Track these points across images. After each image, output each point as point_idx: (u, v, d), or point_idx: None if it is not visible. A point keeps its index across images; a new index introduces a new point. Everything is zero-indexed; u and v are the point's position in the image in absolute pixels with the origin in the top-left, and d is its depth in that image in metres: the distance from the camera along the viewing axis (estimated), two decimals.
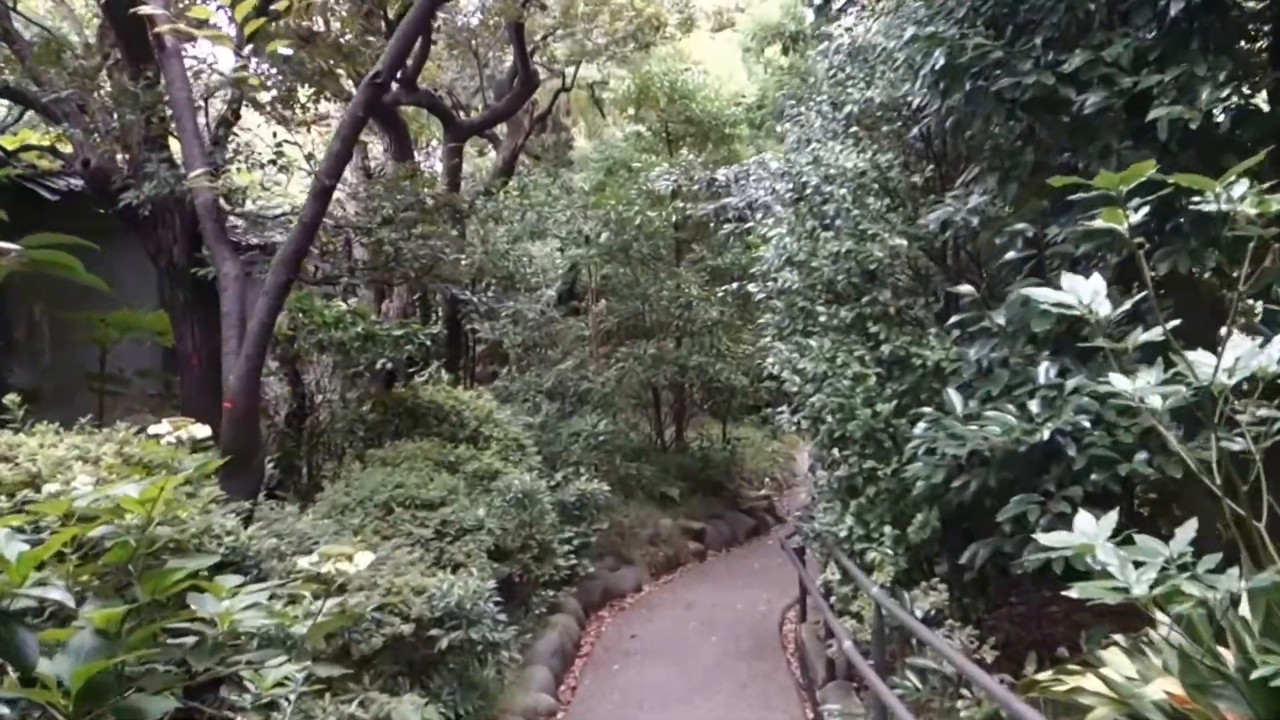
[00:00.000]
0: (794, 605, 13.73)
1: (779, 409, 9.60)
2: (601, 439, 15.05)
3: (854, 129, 9.29)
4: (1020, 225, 6.92)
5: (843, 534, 8.13)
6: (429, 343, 13.00)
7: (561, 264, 18.60)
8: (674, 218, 16.85)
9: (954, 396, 7.03)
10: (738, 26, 23.21)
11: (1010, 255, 7.11)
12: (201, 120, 9.98)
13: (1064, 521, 4.78)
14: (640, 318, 19.12)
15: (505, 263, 18.42)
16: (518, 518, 10.47)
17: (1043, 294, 3.84)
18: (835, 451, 8.53)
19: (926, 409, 7.17)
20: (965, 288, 6.86)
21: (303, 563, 3.21)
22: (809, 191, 9.11)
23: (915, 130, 8.73)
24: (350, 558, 3.13)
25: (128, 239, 10.58)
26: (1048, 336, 6.93)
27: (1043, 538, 3.71)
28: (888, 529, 7.82)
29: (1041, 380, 6.63)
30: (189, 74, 8.77)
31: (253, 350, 7.48)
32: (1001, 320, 6.92)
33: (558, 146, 23.02)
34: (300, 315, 12.30)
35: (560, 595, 11.94)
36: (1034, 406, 6.60)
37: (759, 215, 12.97)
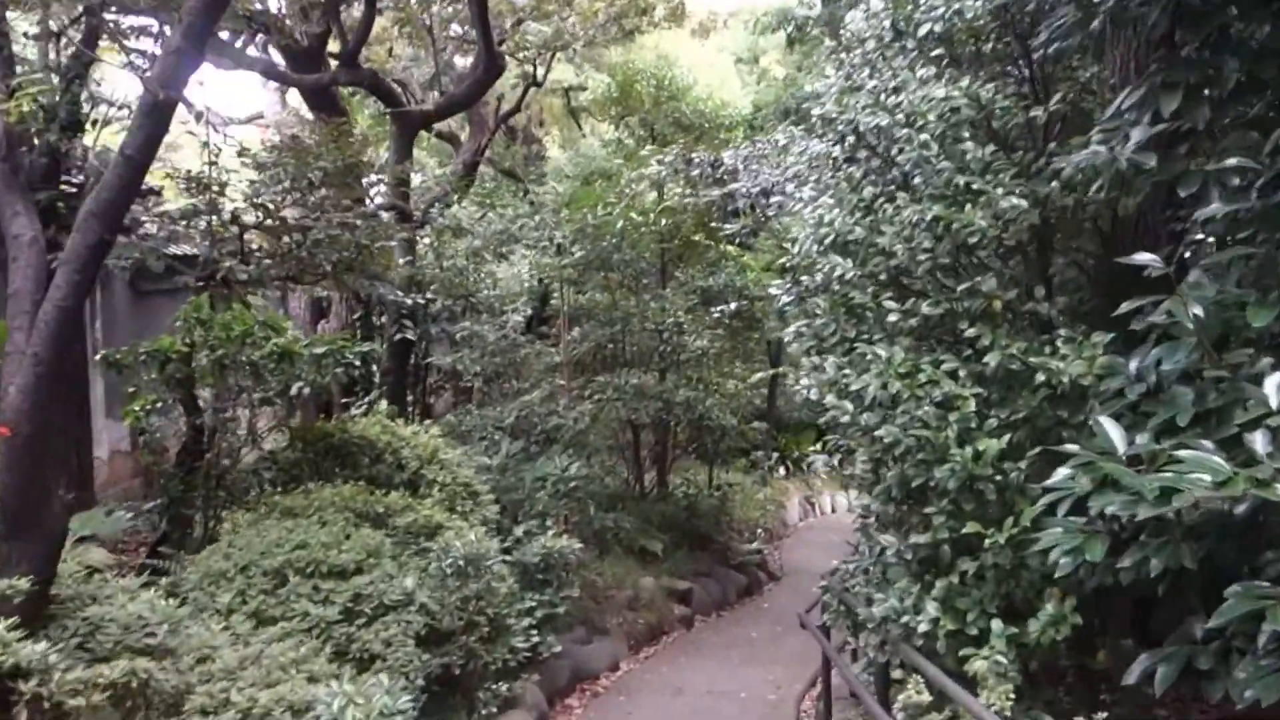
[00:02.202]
0: (810, 689, 11.18)
1: (818, 450, 7.12)
2: (573, 484, 12.47)
3: (936, 52, 6.86)
4: (1232, 161, 4.48)
5: (921, 627, 5.60)
6: (358, 364, 10.44)
7: (529, 282, 16.04)
8: (663, 222, 14.28)
9: (1110, 428, 4.58)
10: (730, 31, 21.03)
11: (1210, 210, 4.66)
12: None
13: None
14: (619, 345, 16.61)
15: (463, 280, 15.94)
16: (460, 590, 7.86)
17: None
18: (905, 507, 6.04)
19: (1069, 447, 4.71)
20: (1147, 256, 4.40)
21: None
22: (870, 141, 6.67)
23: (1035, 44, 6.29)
24: None
25: None
26: (1270, 336, 4.52)
27: None
28: (996, 624, 5.30)
29: (1275, 402, 4.18)
30: None
31: (44, 349, 4.93)
32: (1199, 312, 4.47)
33: (528, 160, 20.54)
34: (198, 327, 9.76)
35: (517, 685, 9.28)
36: (1259, 444, 4.16)
37: (772, 203, 10.65)
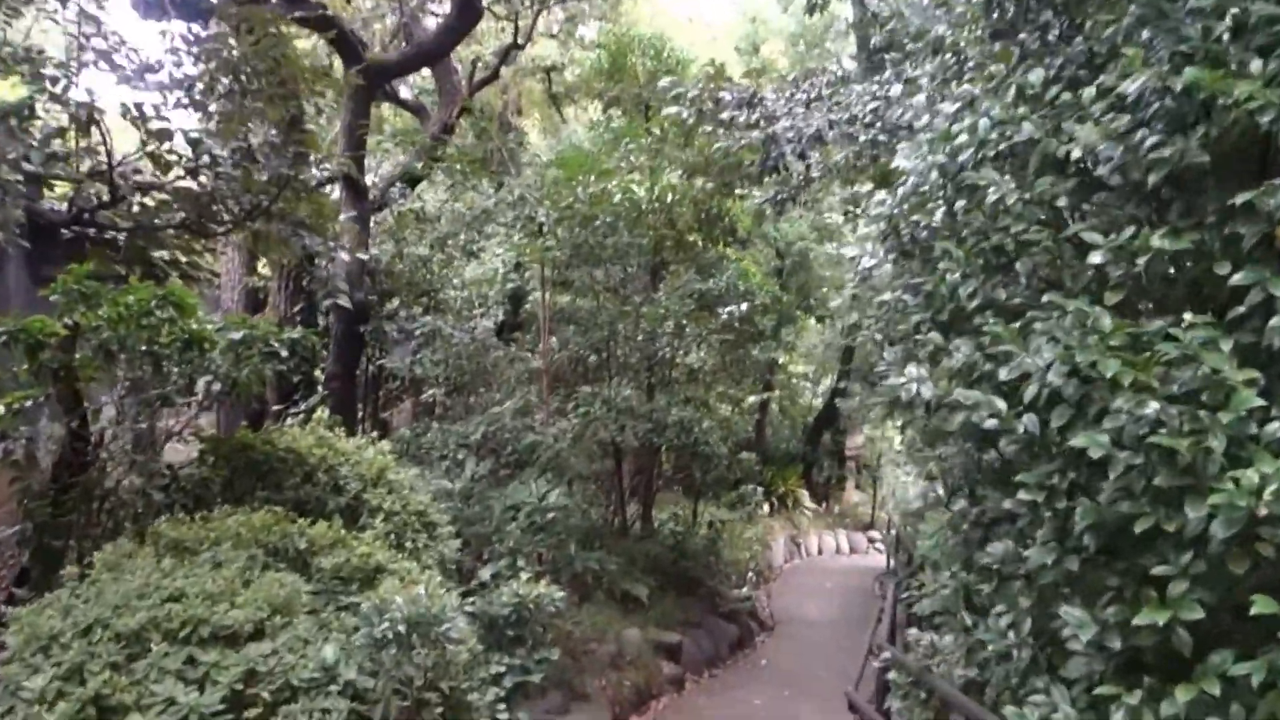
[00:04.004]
0: None
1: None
2: (550, 516, 10.19)
3: None
4: None
5: None
6: (286, 355, 8.15)
7: (500, 283, 13.76)
8: (669, 197, 11.99)
9: None
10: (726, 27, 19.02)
11: None
12: None
13: None
14: (604, 355, 14.39)
15: (425, 274, 13.71)
16: (403, 663, 5.56)
17: None
18: (1101, 565, 3.84)
19: None
20: None
21: None
22: None
23: None
24: None
25: None
26: None
27: None
28: None
29: None
30: None
31: None
32: None
33: (503, 152, 18.32)
34: (80, 303, 7.52)
35: None
36: None
37: (814, 158, 8.55)
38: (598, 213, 11.31)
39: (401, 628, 5.26)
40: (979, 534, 5.35)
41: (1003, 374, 4.05)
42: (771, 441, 26.72)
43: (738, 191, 12.72)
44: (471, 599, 8.30)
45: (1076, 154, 4.23)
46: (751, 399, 21.32)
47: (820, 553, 26.43)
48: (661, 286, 15.33)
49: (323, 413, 9.88)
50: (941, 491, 5.34)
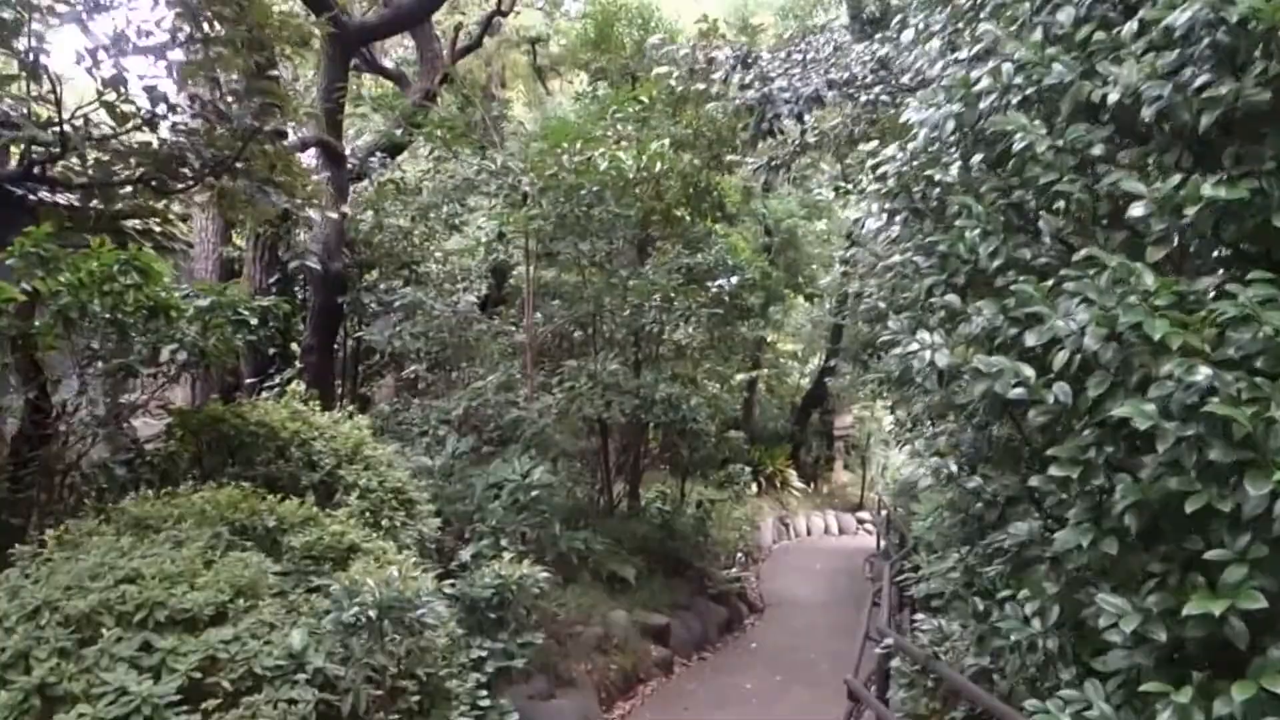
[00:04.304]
0: None
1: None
2: (534, 493, 9.80)
3: None
4: None
5: None
6: (255, 323, 7.74)
7: (483, 255, 13.32)
8: (657, 166, 11.54)
9: None
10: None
11: None
12: None
13: None
14: (590, 330, 14.00)
15: (407, 246, 13.28)
16: (375, 650, 5.17)
17: None
18: (1142, 549, 3.49)
19: None
20: None
21: None
22: None
23: None
24: None
25: None
26: None
27: None
28: None
29: None
30: None
31: None
32: None
33: (488, 120, 17.86)
34: (38, 268, 7.09)
35: None
36: None
37: (809, 122, 8.16)
38: (584, 182, 10.89)
39: (373, 612, 4.88)
40: (994, 514, 5.00)
41: (1030, 339, 3.69)
42: (759, 421, 26.40)
43: (729, 158, 12.28)
44: (452, 580, 7.92)
45: (1114, 97, 3.84)
46: (740, 377, 20.96)
47: (809, 533, 26.16)
48: (649, 261, 14.95)
49: (298, 386, 9.47)
50: (954, 468, 4.99)
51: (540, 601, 9.27)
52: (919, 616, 6.20)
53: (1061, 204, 4.18)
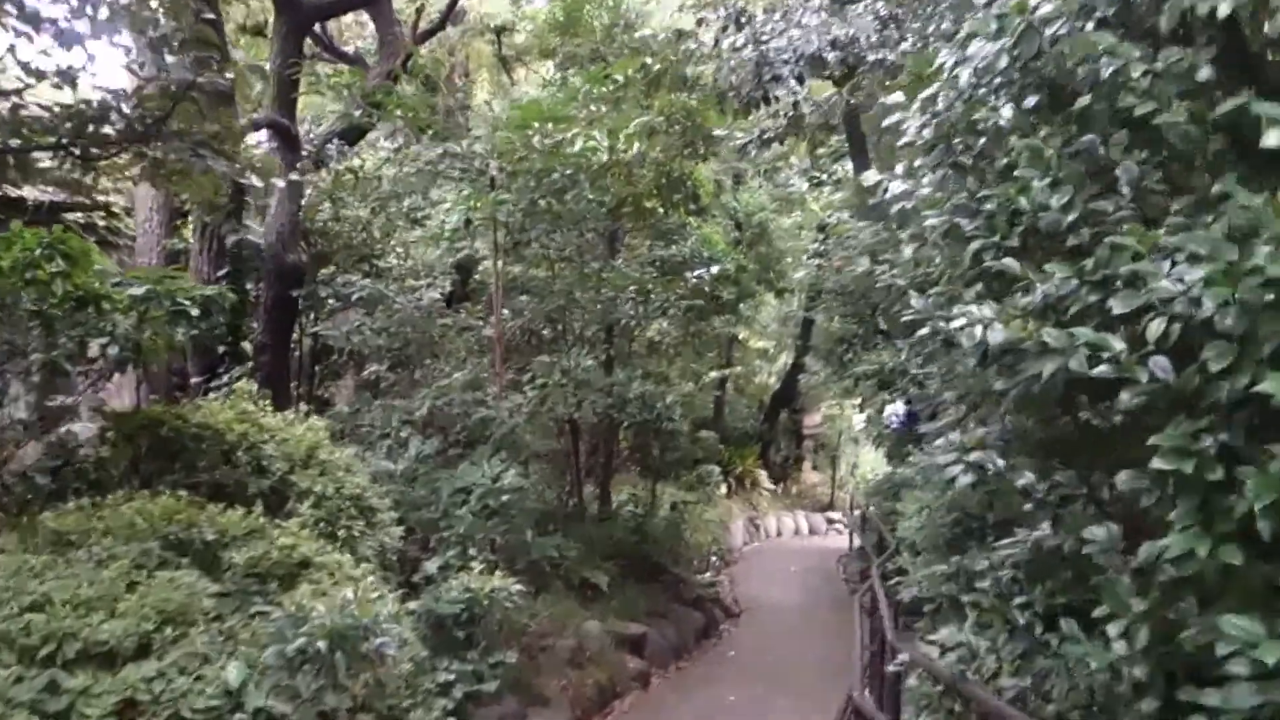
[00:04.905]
0: None
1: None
2: (505, 498, 9.12)
3: None
4: None
5: None
6: (198, 314, 7.01)
7: (449, 234, 12.57)
8: (634, 147, 10.87)
9: None
10: None
11: None
12: None
13: None
14: (560, 327, 13.34)
15: (366, 237, 12.55)
16: (323, 686, 4.48)
17: None
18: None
19: None
20: None
21: None
22: None
23: None
24: None
25: None
26: None
27: None
28: None
29: None
30: None
31: None
32: None
33: (453, 101, 17.10)
34: None
35: None
36: None
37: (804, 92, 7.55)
38: (554, 165, 10.20)
39: (323, 643, 4.19)
40: (1045, 515, 4.38)
41: (1117, 305, 3.08)
42: (729, 420, 25.82)
43: (716, 132, 11.62)
44: (414, 591, 7.26)
45: (1225, 8, 3.23)
46: (712, 374, 20.39)
47: (779, 534, 25.65)
48: (620, 254, 14.31)
49: (249, 385, 8.72)
50: (999, 463, 4.37)
51: (512, 614, 8.62)
52: (944, 631, 5.56)
53: (1140, 154, 3.55)
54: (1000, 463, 4.36)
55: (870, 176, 5.11)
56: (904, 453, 16.57)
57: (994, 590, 6.79)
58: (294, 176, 10.62)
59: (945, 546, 9.83)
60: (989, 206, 4.09)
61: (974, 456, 4.47)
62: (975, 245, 4.17)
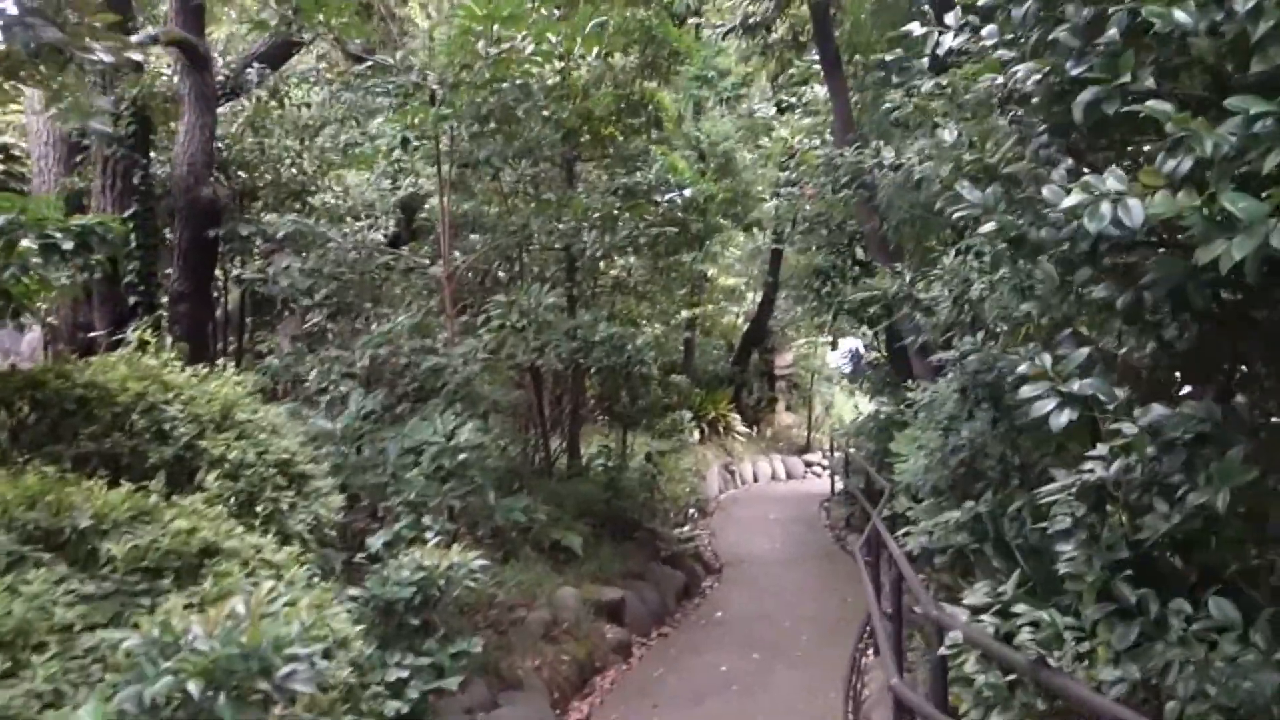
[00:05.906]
0: None
1: None
2: (462, 457, 7.92)
3: None
4: None
5: None
6: (72, 247, 5.70)
7: (386, 150, 11.16)
8: (594, 52, 9.56)
9: None
10: None
11: None
12: None
13: None
14: (515, 266, 12.10)
15: (295, 172, 11.20)
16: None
17: None
18: None
19: None
20: None
21: None
22: None
23: None
24: None
25: None
26: None
27: None
28: None
29: None
30: None
31: None
32: None
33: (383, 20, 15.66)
34: None
35: None
36: None
37: None
38: (503, 75, 8.87)
39: (194, 685, 2.95)
40: (1176, 459, 3.27)
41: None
42: (699, 363, 24.73)
43: (695, 21, 10.33)
44: (357, 571, 6.09)
45: None
46: (683, 314, 19.25)
47: (756, 480, 24.70)
48: (580, 186, 13.06)
49: (154, 338, 7.40)
50: (1120, 394, 3.29)
51: (475, 589, 7.46)
52: (1021, 605, 4.45)
53: None
54: (1119, 393, 3.26)
55: (915, 27, 3.93)
56: (888, 388, 15.59)
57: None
58: (203, 100, 9.25)
59: (950, 490, 8.82)
60: (1110, 33, 2.92)
61: (1076, 387, 3.34)
62: (1087, 95, 2.99)
